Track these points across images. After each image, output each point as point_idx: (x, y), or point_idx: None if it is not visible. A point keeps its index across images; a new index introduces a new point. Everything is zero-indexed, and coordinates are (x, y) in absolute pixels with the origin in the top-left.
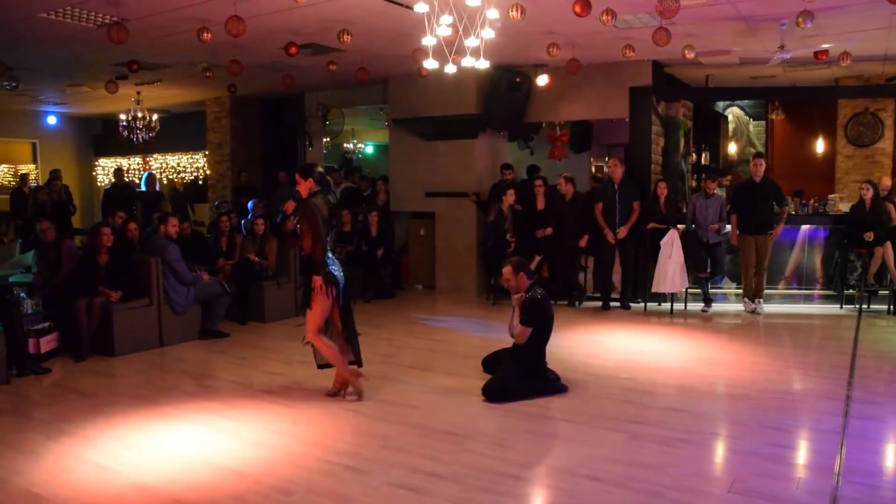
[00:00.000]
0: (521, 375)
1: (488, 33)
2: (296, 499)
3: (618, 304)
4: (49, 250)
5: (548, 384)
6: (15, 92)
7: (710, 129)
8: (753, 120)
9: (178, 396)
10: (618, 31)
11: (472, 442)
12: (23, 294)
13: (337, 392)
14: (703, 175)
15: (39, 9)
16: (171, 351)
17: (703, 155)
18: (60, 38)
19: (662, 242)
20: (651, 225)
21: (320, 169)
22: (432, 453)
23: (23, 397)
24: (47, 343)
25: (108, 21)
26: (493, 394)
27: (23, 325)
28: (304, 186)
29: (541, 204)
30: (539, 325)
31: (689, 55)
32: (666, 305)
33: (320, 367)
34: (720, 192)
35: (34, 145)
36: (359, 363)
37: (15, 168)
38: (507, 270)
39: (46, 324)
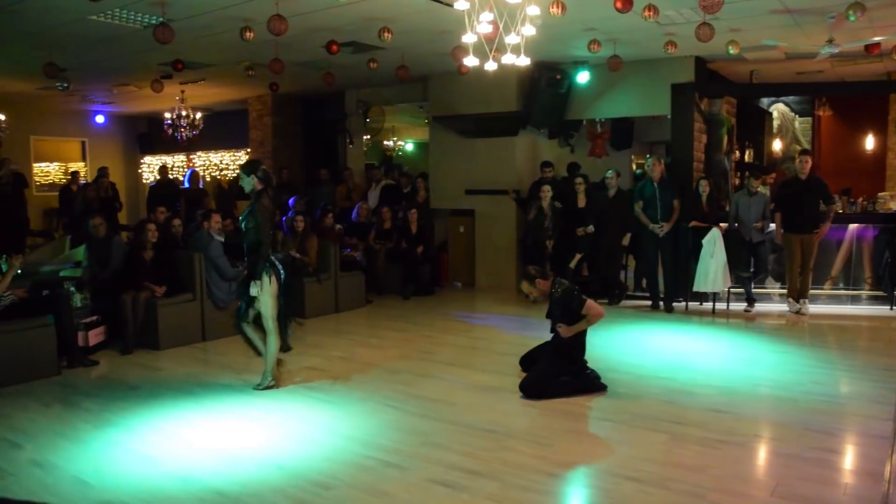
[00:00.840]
0: (559, 372)
1: (529, 30)
2: (335, 493)
3: (660, 303)
4: (100, 246)
5: (587, 382)
6: (66, 92)
7: (754, 126)
8: (799, 116)
9: (220, 390)
10: (660, 27)
11: (510, 439)
12: (72, 288)
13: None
14: (747, 173)
15: (89, 11)
16: (214, 345)
17: (747, 152)
18: (109, 40)
19: (705, 241)
20: (693, 223)
21: (264, 167)
22: (471, 450)
23: (72, 388)
24: (95, 336)
25: (153, 22)
26: (531, 390)
27: (72, 318)
28: (248, 183)
29: (581, 202)
30: (587, 298)
31: (734, 51)
32: (708, 305)
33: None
34: (764, 191)
35: (83, 144)
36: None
37: (66, 166)
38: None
39: (94, 317)
